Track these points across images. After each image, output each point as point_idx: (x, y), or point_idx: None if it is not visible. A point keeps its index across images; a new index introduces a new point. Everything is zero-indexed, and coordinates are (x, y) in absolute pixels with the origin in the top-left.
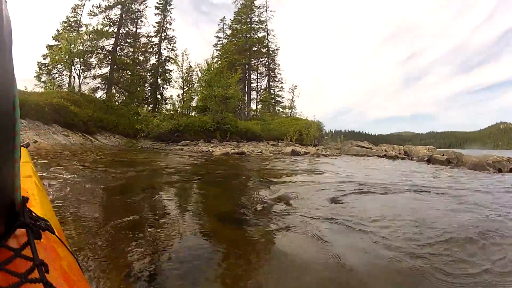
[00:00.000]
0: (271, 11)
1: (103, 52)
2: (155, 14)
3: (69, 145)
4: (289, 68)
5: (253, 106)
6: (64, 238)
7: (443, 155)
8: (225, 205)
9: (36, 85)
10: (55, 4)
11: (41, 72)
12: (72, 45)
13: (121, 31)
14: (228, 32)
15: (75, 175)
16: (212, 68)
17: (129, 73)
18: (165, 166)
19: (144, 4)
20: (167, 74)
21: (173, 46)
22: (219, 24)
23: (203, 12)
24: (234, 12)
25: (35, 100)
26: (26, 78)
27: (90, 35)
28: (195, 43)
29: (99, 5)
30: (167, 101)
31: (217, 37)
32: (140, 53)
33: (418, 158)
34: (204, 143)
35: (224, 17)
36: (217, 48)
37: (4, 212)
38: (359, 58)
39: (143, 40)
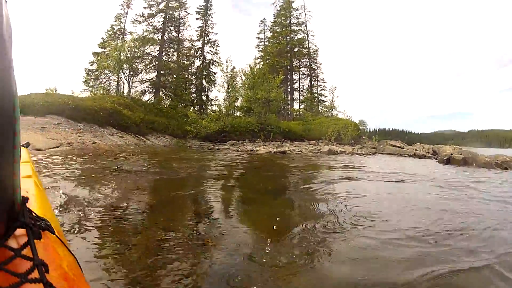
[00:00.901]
0: (309, 11)
1: (149, 58)
2: (197, 19)
3: (125, 145)
4: (334, 65)
5: (296, 106)
6: (64, 238)
7: (460, 154)
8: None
9: (84, 89)
10: (100, 13)
11: (88, 77)
12: (120, 52)
13: (165, 37)
14: (269, 34)
15: (145, 167)
16: (254, 72)
17: (175, 77)
18: (216, 161)
19: (185, 11)
20: (211, 77)
21: (216, 49)
22: (259, 26)
23: (243, 11)
24: (274, 14)
25: (90, 105)
26: (74, 83)
27: (136, 42)
28: (237, 41)
29: (142, 14)
30: (212, 102)
31: (258, 38)
32: (184, 57)
33: (440, 157)
34: (249, 143)
35: (264, 18)
36: (259, 49)
37: (4, 212)
38: (406, 54)
39: (187, 44)
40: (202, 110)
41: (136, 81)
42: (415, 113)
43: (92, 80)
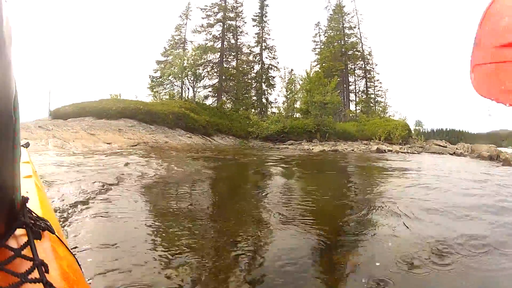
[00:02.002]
0: (361, 14)
1: (211, 65)
2: (253, 26)
3: (193, 144)
4: (393, 64)
5: (352, 107)
6: (64, 238)
7: (487, 152)
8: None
9: (149, 94)
10: (161, 24)
11: (153, 84)
12: (183, 60)
13: (224, 45)
14: (323, 38)
15: (216, 162)
16: (311, 75)
17: (236, 81)
18: (277, 156)
19: (242, 20)
20: (270, 81)
21: (273, 54)
22: (314, 29)
23: (299, 13)
24: (327, 19)
25: (159, 109)
26: (134, 89)
27: (197, 51)
28: (293, 41)
29: (202, 24)
30: (272, 105)
31: (314, 41)
32: (244, 63)
33: (473, 155)
34: (306, 142)
35: (319, 22)
36: (316, 52)
37: (4, 212)
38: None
39: (245, 50)
40: (262, 112)
41: (199, 86)
42: (474, 112)
43: (156, 86)
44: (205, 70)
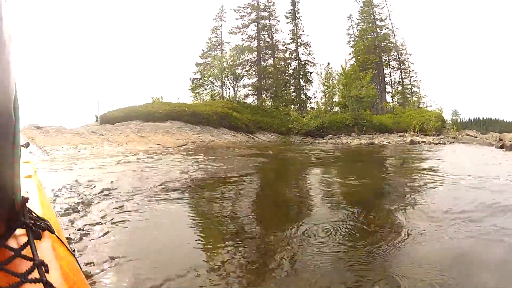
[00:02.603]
0: (390, 5)
1: (249, 64)
2: (287, 23)
3: (237, 142)
4: (428, 53)
5: (389, 99)
6: (64, 238)
7: (510, 141)
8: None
9: (191, 96)
10: (197, 27)
11: (194, 85)
12: (222, 62)
13: (260, 44)
14: (356, 31)
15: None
16: (346, 70)
17: (274, 79)
18: (317, 150)
19: (275, 19)
20: (308, 76)
21: (309, 50)
22: (347, 22)
23: (331, 5)
24: (358, 11)
25: (203, 110)
26: (180, 91)
27: (235, 52)
28: (327, 34)
29: (237, 26)
30: (311, 100)
31: (348, 34)
32: (281, 61)
33: (496, 144)
34: (345, 136)
35: (351, 14)
36: (350, 45)
37: (5, 212)
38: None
39: (281, 47)
40: (302, 108)
41: (239, 86)
42: None
43: (197, 87)
44: (244, 70)
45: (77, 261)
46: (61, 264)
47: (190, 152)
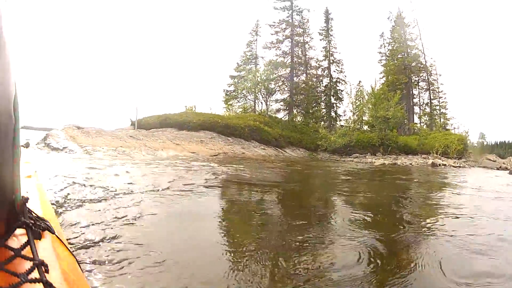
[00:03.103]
0: (421, 25)
1: (282, 79)
2: (320, 40)
3: (267, 155)
4: (459, 74)
5: (417, 120)
6: (64, 238)
7: None
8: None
9: (223, 107)
10: (233, 40)
11: (227, 97)
12: (256, 76)
13: (294, 60)
14: (387, 50)
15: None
16: (375, 90)
17: (305, 95)
18: (342, 168)
19: (309, 36)
20: (338, 94)
21: (341, 68)
22: (378, 40)
23: (363, 23)
24: (390, 30)
25: (236, 123)
26: (213, 102)
27: (269, 67)
28: (359, 52)
29: (271, 41)
30: (340, 118)
31: (379, 53)
32: (313, 77)
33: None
34: (370, 156)
35: (383, 32)
36: (382, 64)
37: (4, 212)
38: None
39: (314, 64)
40: (331, 125)
41: (271, 100)
42: None
43: (230, 99)
44: (277, 85)
45: (77, 261)
46: (61, 264)
47: (223, 161)
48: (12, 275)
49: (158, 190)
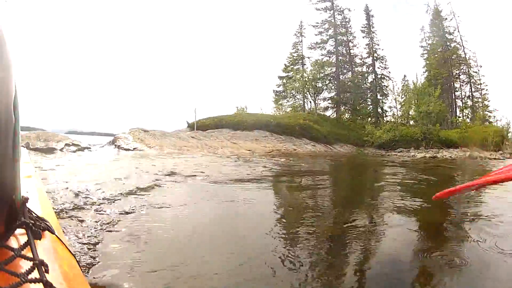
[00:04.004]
0: (458, 16)
1: (328, 78)
2: (363, 37)
3: (317, 152)
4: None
5: (459, 114)
6: (64, 238)
7: None
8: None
9: (273, 107)
10: (278, 43)
11: (277, 98)
12: (303, 76)
13: (339, 59)
14: (425, 44)
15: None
16: (417, 86)
17: (351, 93)
18: (387, 162)
19: (352, 35)
20: (383, 90)
21: (385, 64)
22: (419, 34)
23: (403, 13)
24: (429, 24)
25: (287, 122)
26: (263, 102)
27: (316, 66)
28: (402, 47)
29: (316, 42)
30: (386, 113)
31: (421, 46)
32: (359, 74)
33: None
34: (414, 150)
35: (423, 26)
36: (424, 58)
37: (4, 212)
38: None
39: (358, 61)
40: (378, 121)
41: (319, 99)
42: None
43: (280, 99)
44: (324, 84)
45: (77, 261)
46: (61, 264)
47: (277, 157)
48: (12, 275)
49: (242, 179)
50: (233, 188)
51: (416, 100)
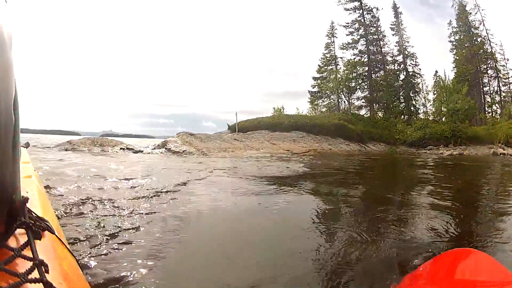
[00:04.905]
0: (483, 10)
1: (361, 78)
2: (392, 35)
3: (351, 150)
4: None
5: (488, 109)
6: (64, 238)
7: None
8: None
9: (309, 107)
10: (311, 44)
11: (312, 98)
12: (337, 77)
13: (370, 58)
14: (453, 39)
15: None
16: (446, 83)
17: (384, 91)
18: (419, 159)
19: (382, 34)
20: (415, 88)
21: (415, 61)
22: (448, 29)
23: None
24: (455, 19)
25: (322, 122)
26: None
27: (348, 66)
28: (428, 39)
29: (347, 42)
30: (418, 111)
31: (450, 41)
32: (391, 72)
33: None
34: (442, 148)
35: (450, 20)
36: (453, 53)
37: (4, 212)
38: None
39: (389, 59)
40: (410, 119)
41: (353, 98)
42: None
43: (315, 99)
44: (357, 83)
45: (77, 261)
46: (61, 264)
47: (314, 156)
48: (12, 275)
49: (291, 174)
50: (271, 183)
51: (445, 98)
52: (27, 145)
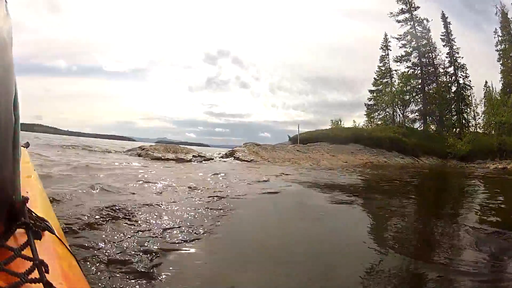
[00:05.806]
0: None
1: (415, 90)
2: (443, 46)
3: (404, 164)
4: None
5: None
6: (64, 238)
7: None
8: None
9: (365, 120)
10: (368, 58)
11: (368, 111)
12: (391, 89)
13: (423, 70)
14: (499, 48)
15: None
16: (493, 96)
17: (437, 104)
18: (465, 173)
19: (433, 45)
20: (466, 100)
21: (465, 73)
22: (494, 37)
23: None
24: (500, 28)
25: (378, 135)
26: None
27: (402, 79)
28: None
29: (401, 54)
30: (469, 124)
31: (497, 50)
32: (443, 84)
33: None
34: (490, 162)
35: (496, 28)
36: (501, 63)
37: (4, 212)
38: None
39: (441, 71)
40: (462, 132)
41: (407, 111)
42: None
43: (372, 112)
44: (411, 96)
45: (77, 261)
46: (61, 264)
47: (371, 168)
48: (12, 275)
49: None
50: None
51: (492, 110)
52: (27, 145)
